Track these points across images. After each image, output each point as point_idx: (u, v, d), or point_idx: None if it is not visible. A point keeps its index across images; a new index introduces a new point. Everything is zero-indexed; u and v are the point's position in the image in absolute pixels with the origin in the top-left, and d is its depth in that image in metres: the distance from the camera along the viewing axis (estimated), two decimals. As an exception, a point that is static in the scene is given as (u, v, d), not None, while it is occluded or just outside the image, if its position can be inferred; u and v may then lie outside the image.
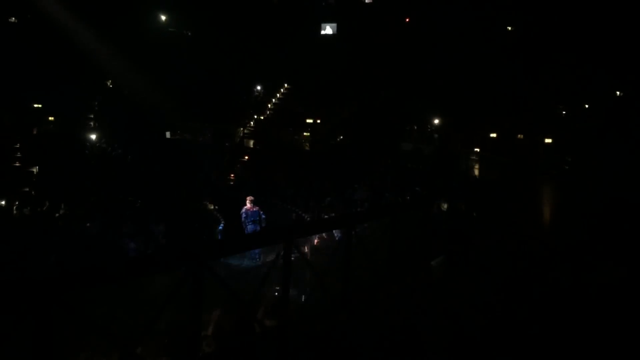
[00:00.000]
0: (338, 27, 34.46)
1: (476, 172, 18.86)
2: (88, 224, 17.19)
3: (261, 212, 15.38)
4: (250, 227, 15.31)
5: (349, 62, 33.49)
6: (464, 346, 5.79)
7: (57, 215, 18.18)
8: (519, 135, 18.56)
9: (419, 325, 6.01)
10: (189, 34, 36.66)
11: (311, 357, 5.32)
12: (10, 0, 31.15)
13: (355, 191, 20.46)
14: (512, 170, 14.02)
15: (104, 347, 4.47)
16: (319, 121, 27.98)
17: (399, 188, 19.61)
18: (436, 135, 25.78)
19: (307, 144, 28.10)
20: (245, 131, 28.12)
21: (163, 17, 37.03)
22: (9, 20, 32.44)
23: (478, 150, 20.28)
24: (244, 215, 15.26)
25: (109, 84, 34.33)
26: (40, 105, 27.40)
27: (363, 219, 6.55)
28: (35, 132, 27.75)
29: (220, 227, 17.20)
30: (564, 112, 27.64)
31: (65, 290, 3.50)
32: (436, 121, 24.79)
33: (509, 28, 30.18)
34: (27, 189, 21.77)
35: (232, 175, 24.78)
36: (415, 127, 27.18)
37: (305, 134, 28.76)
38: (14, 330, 3.61)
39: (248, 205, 15.38)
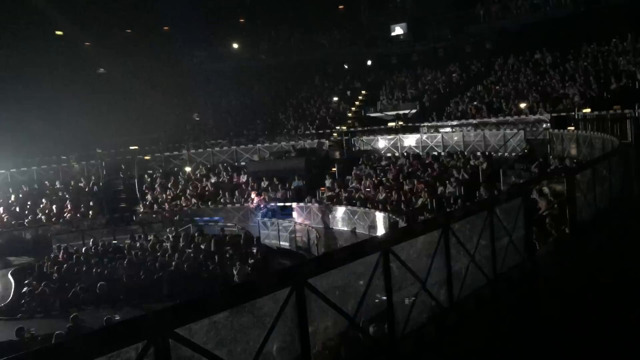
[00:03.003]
0: (408, 27, 34.15)
1: (573, 151, 17.93)
2: (190, 253, 18.04)
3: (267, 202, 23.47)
4: (263, 211, 23.01)
5: (423, 60, 33.07)
6: (579, 344, 5.47)
7: (163, 248, 19.17)
8: (615, 107, 17.35)
9: (531, 322, 5.77)
10: (263, 57, 37.70)
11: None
12: (99, 54, 33.41)
13: (445, 188, 20.11)
14: (614, 146, 13.11)
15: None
16: (401, 123, 27.71)
17: (492, 179, 19.05)
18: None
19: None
20: (330, 143, 28.34)
21: (235, 46, 38.36)
22: (98, 71, 34.81)
23: (572, 128, 19.25)
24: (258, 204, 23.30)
25: (195, 117, 35.97)
26: (136, 147, 29.07)
27: (459, 217, 6.39)
28: (135, 172, 29.42)
29: None
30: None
31: (182, 323, 3.67)
32: (522, 105, 23.83)
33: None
34: (135, 227, 23.10)
35: (322, 188, 25.05)
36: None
37: (388, 137, 28.55)
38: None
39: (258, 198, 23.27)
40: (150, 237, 20.32)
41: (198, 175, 28.66)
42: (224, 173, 28.09)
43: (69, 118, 29.45)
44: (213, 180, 27.53)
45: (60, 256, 19.02)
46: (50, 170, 28.70)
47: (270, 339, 4.29)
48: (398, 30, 34.58)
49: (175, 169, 29.55)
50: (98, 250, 19.36)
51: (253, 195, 24.28)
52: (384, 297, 5.29)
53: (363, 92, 33.60)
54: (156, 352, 3.50)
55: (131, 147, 28.89)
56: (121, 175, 28.36)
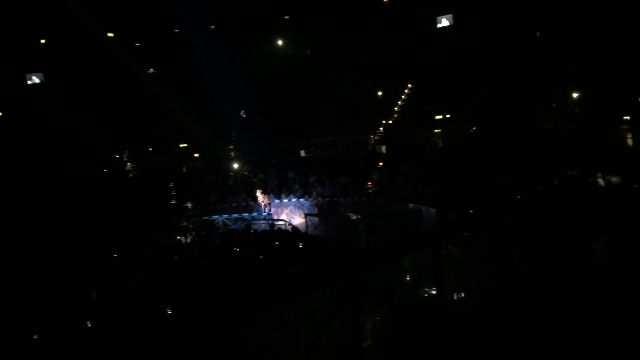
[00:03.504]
0: (454, 18, 33.53)
1: (630, 142, 17.28)
2: (237, 249, 18.32)
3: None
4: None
5: (471, 50, 32.39)
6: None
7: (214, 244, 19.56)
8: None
9: (591, 319, 5.59)
10: (308, 52, 37.77)
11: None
12: (148, 54, 34.25)
13: (497, 182, 19.71)
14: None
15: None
16: (448, 116, 27.34)
17: (546, 172, 18.58)
18: (577, 110, 24.03)
19: (440, 141, 27.57)
20: (376, 138, 28.24)
21: (280, 42, 38.57)
22: (148, 71, 35.61)
23: (628, 117, 18.55)
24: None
25: (242, 114, 36.40)
26: (185, 145, 29.74)
27: (514, 211, 6.26)
28: (184, 170, 30.14)
29: None
30: None
31: (236, 317, 3.73)
32: (575, 94, 23.09)
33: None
34: (185, 224, 23.60)
35: (369, 183, 24.97)
36: (554, 105, 25.55)
37: (436, 130, 28.24)
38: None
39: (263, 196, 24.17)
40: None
41: (246, 172, 29.01)
42: (272, 169, 28.34)
43: (122, 116, 30.27)
44: (261, 176, 27.80)
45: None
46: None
47: (323, 332, 4.32)
48: (444, 22, 34.03)
49: (223, 166, 30.02)
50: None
51: (258, 193, 24.65)
52: (434, 291, 5.23)
53: (409, 85, 33.26)
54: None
55: (181, 145, 29.53)
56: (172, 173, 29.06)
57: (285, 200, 24.49)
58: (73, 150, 28.22)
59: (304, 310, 5.03)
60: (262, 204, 24.27)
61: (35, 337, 13.48)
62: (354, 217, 21.99)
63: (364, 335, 5.03)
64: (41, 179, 25.86)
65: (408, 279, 5.11)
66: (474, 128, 26.60)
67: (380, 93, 33.48)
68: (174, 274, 17.32)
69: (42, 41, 31.87)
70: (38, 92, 30.88)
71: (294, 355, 4.42)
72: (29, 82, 31.16)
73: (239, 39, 35.50)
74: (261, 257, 17.76)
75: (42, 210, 24.51)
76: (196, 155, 30.25)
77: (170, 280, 16.97)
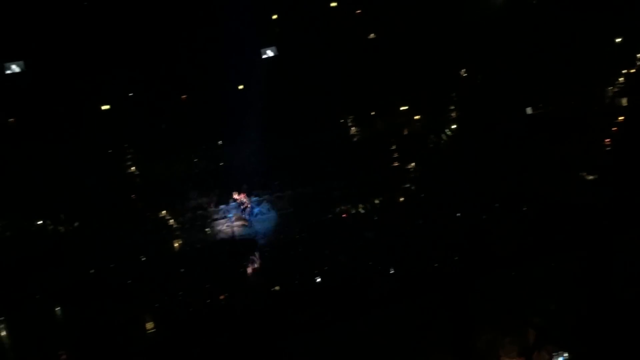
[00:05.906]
0: None
1: None
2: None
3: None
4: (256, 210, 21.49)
5: None
6: None
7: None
8: None
9: None
10: (534, 2, 34.91)
11: None
12: (368, 19, 34.88)
13: None
14: None
15: (511, 328, 4.62)
16: None
17: None
18: None
19: None
20: (615, 89, 25.43)
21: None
22: (369, 37, 36.29)
23: None
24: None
25: (462, 73, 35.26)
26: (406, 107, 30.10)
27: None
28: (406, 132, 30.60)
29: None
30: None
31: (477, 278, 3.80)
32: None
33: None
34: (408, 185, 24.13)
35: (606, 140, 22.77)
36: None
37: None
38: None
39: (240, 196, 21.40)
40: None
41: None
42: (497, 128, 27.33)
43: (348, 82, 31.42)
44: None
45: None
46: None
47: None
48: None
49: (443, 127, 29.77)
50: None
51: (235, 195, 22.72)
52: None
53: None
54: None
55: (402, 108, 29.94)
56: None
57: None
58: (304, 118, 30.28)
59: (545, 271, 4.90)
60: (243, 204, 22.46)
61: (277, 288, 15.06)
62: (590, 178, 20.43)
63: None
64: (277, 145, 28.39)
65: None
66: None
67: (618, 40, 29.73)
68: (399, 232, 17.84)
69: (274, 17, 34.26)
70: (271, 65, 33.51)
71: (538, 316, 4.33)
72: (263, 57, 33.94)
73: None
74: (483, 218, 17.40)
75: (279, 175, 27.03)
76: (416, 117, 30.44)
77: (396, 238, 17.46)
